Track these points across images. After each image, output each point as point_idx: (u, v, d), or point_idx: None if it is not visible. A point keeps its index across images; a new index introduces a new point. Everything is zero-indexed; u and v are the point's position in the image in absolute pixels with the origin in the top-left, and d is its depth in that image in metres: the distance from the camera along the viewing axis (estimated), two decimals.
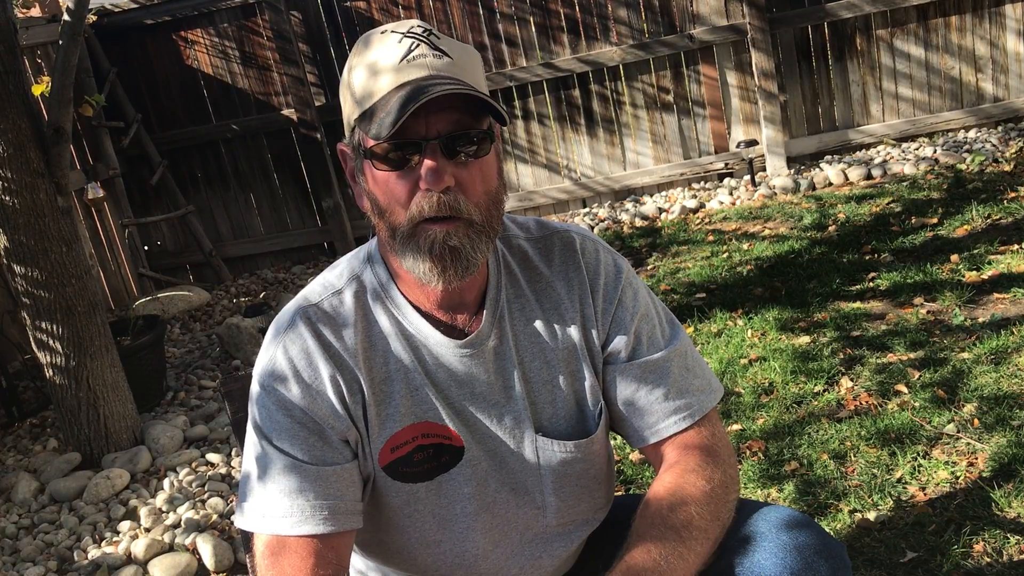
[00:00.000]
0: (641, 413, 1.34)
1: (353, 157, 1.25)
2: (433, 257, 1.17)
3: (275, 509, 1.21)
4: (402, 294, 1.29)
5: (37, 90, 3.93)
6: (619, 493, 2.40)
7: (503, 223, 1.38)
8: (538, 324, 1.33)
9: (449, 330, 1.29)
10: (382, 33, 1.20)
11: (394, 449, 1.27)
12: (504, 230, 1.38)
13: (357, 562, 1.45)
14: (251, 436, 1.27)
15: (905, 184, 5.08)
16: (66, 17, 3.36)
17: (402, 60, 1.16)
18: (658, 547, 1.17)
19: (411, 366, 1.28)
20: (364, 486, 1.29)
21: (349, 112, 1.22)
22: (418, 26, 1.20)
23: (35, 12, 5.51)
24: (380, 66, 1.17)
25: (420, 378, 1.28)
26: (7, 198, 3.27)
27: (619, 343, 1.34)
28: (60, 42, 3.39)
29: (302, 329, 1.26)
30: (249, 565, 1.51)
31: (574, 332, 1.33)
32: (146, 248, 6.18)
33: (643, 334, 1.35)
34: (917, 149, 5.61)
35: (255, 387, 1.27)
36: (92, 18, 5.69)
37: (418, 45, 1.17)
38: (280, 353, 1.26)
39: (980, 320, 3.32)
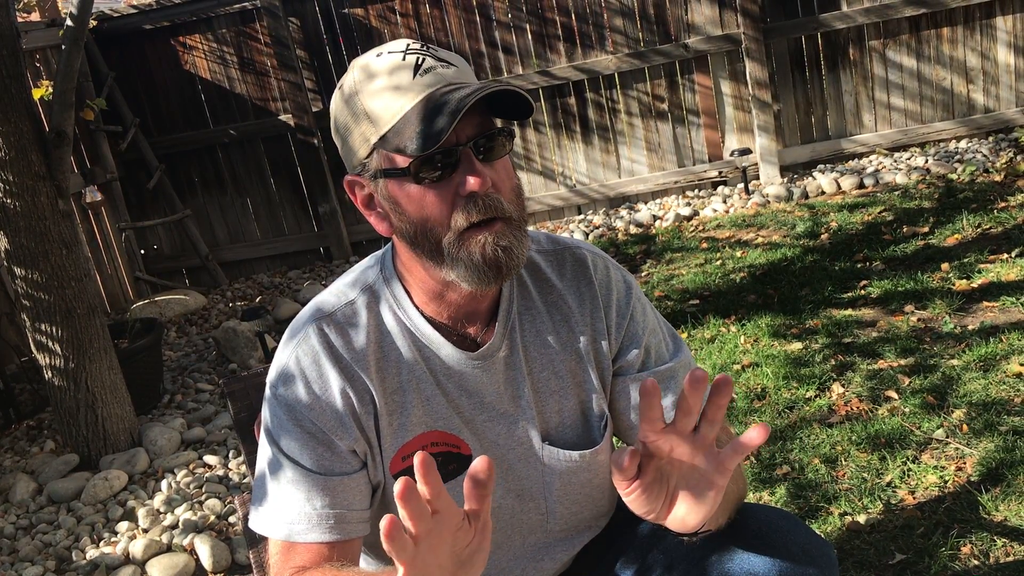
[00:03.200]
0: None
1: (365, 184, 1.24)
2: (487, 261, 1.18)
3: (284, 515, 1.25)
4: (415, 306, 1.30)
5: (38, 94, 3.97)
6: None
7: None
8: (548, 335, 1.35)
9: (461, 340, 1.31)
10: (378, 56, 1.20)
11: (405, 458, 1.29)
12: None
13: (362, 564, 1.47)
14: (263, 441, 1.30)
15: (897, 193, 5.14)
16: (69, 23, 3.39)
17: (416, 75, 1.16)
18: None
19: (423, 376, 1.30)
20: (373, 493, 1.32)
21: (363, 138, 1.21)
22: (413, 42, 1.21)
23: (35, 16, 5.54)
24: (393, 84, 1.17)
25: (431, 388, 1.30)
26: (8, 201, 3.30)
27: (632, 356, 1.36)
28: (63, 47, 3.42)
29: (314, 340, 1.28)
30: (253, 561, 1.54)
31: (583, 344, 1.35)
32: (143, 252, 6.20)
33: (652, 348, 1.38)
34: (909, 159, 5.66)
35: (268, 393, 1.30)
36: (92, 23, 5.71)
37: (424, 59, 1.18)
38: (292, 363, 1.28)
39: (970, 328, 3.37)
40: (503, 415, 1.33)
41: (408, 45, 1.20)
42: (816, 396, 3.09)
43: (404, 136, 1.15)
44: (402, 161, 1.17)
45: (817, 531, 1.96)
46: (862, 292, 3.90)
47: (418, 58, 1.18)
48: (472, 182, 1.15)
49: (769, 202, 5.51)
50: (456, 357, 1.30)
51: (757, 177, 5.87)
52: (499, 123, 1.23)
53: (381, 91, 1.18)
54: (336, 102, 1.24)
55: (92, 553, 2.95)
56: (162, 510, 3.13)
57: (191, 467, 3.43)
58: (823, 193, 5.49)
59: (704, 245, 4.99)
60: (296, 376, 1.27)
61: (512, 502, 1.36)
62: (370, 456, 1.29)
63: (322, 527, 1.24)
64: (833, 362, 3.30)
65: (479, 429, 1.32)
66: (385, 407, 1.28)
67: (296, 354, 1.29)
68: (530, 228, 1.46)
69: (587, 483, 1.38)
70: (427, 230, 1.20)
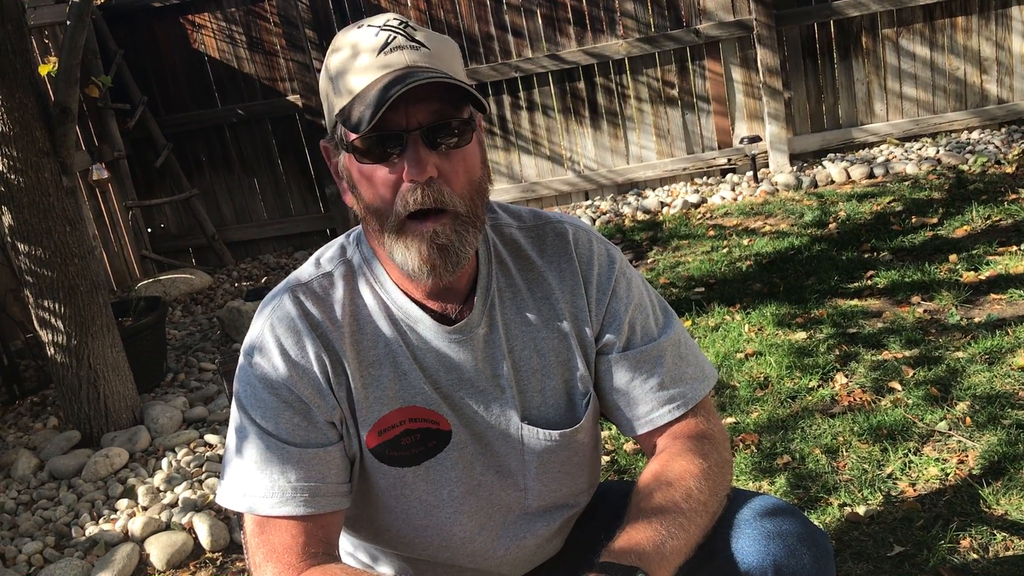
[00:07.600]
0: (635, 403, 1.35)
1: (335, 152, 1.25)
2: (422, 256, 1.18)
3: (255, 488, 1.23)
4: (391, 279, 1.30)
5: (44, 70, 3.96)
6: (612, 480, 2.43)
7: (494, 211, 1.39)
8: (529, 313, 1.34)
9: (438, 316, 1.30)
10: (358, 28, 1.20)
11: (381, 432, 1.28)
12: (496, 219, 1.38)
13: (344, 543, 1.46)
14: (234, 412, 1.28)
15: (907, 184, 5.09)
16: None
17: (379, 53, 1.16)
18: (660, 519, 1.19)
19: (399, 350, 1.28)
20: (352, 466, 1.30)
21: (330, 107, 1.22)
22: (394, 19, 1.20)
23: None
24: (358, 61, 1.17)
25: (408, 363, 1.28)
26: (12, 177, 3.29)
27: (613, 334, 1.35)
28: (68, 22, 3.41)
29: (290, 307, 1.27)
30: (244, 543, 1.53)
31: (566, 322, 1.34)
32: (149, 230, 6.20)
33: (637, 324, 1.36)
34: (920, 149, 5.62)
35: (242, 361, 1.28)
36: (100, 0, 5.70)
37: (395, 37, 1.17)
38: (267, 330, 1.27)
39: (976, 320, 3.34)
40: (482, 392, 1.31)
41: (386, 21, 1.20)
42: (819, 386, 3.07)
43: (354, 113, 1.15)
44: (351, 137, 1.17)
45: (815, 521, 1.95)
46: (869, 282, 3.88)
47: (389, 36, 1.17)
48: (412, 170, 1.15)
49: (778, 190, 5.47)
50: (434, 331, 1.28)
51: (766, 165, 5.84)
52: (468, 113, 1.20)
53: (346, 65, 1.18)
54: (324, 65, 1.26)
55: (91, 530, 2.95)
56: (162, 488, 3.13)
57: (192, 446, 3.44)
58: (833, 182, 5.45)
59: (711, 233, 4.96)
60: (272, 343, 1.26)
61: (492, 478, 1.34)
62: (344, 427, 1.28)
63: (295, 500, 1.21)
64: (837, 352, 3.28)
65: (457, 405, 1.30)
66: (360, 380, 1.27)
67: (271, 321, 1.27)
68: (521, 207, 1.44)
69: (566, 461, 1.37)
70: (374, 209, 1.20)
